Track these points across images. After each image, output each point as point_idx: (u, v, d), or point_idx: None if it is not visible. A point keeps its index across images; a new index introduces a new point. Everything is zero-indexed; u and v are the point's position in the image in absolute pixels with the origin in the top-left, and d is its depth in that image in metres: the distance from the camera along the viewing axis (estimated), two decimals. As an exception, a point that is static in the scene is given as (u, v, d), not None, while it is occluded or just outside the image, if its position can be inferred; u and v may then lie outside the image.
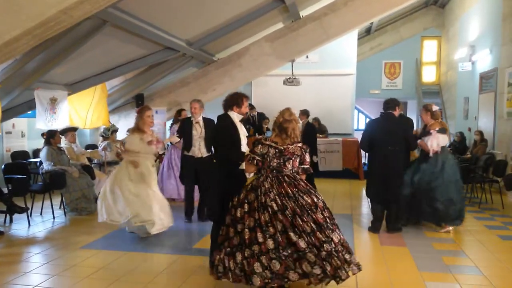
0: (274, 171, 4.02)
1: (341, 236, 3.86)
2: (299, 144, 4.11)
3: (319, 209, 3.84)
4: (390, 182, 6.14)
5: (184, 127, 6.79)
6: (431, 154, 6.23)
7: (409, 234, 6.22)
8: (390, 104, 6.36)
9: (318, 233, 3.71)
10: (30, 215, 6.89)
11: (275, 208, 3.80)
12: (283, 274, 3.69)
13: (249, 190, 4.01)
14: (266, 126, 13.00)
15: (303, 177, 4.14)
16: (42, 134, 7.70)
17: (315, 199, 3.88)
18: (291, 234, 3.70)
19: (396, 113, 6.34)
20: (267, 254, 3.70)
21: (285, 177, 3.98)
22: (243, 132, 4.73)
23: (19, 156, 8.85)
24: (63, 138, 8.00)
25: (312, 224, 3.74)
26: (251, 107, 13.10)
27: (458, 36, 14.52)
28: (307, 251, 3.66)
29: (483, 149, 10.17)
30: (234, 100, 4.70)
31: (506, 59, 9.89)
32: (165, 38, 8.03)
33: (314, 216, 3.79)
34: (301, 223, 3.73)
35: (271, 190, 3.90)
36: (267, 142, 4.12)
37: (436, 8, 16.96)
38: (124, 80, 10.57)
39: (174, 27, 8.06)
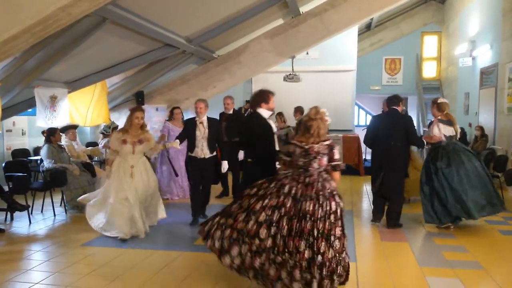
0: (301, 170, 4.00)
1: (330, 254, 3.63)
2: (326, 142, 4.06)
3: (312, 219, 3.69)
4: (392, 177, 6.20)
5: (187, 127, 6.66)
6: (432, 141, 6.28)
7: (410, 230, 6.23)
8: (393, 100, 6.47)
9: (295, 240, 3.63)
10: (31, 213, 6.90)
11: (286, 209, 3.78)
12: (272, 278, 3.67)
13: (272, 186, 3.96)
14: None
15: (335, 175, 4.05)
16: (43, 132, 7.71)
17: (316, 207, 3.74)
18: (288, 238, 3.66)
19: (400, 109, 6.42)
20: (266, 253, 3.70)
21: (307, 177, 3.93)
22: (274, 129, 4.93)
23: (20, 154, 8.85)
24: (63, 135, 8.00)
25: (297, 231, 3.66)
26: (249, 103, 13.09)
27: (458, 32, 14.49)
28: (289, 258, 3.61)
29: (484, 144, 10.16)
30: (261, 97, 4.85)
31: (507, 54, 9.86)
32: (164, 35, 8.02)
33: (302, 224, 3.68)
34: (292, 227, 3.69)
35: (291, 189, 3.87)
36: (293, 141, 4.13)
37: (436, 3, 16.92)
38: (124, 78, 10.56)
39: (174, 23, 8.05)
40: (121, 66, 8.84)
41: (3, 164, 7.26)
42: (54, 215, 7.13)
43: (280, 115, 9.92)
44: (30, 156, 9.10)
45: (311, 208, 3.75)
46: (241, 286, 4.28)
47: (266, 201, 3.86)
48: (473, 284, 4.38)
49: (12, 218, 6.79)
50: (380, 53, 17.20)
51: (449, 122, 6.36)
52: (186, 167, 7.15)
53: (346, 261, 3.85)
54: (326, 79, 13.98)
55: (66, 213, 7.30)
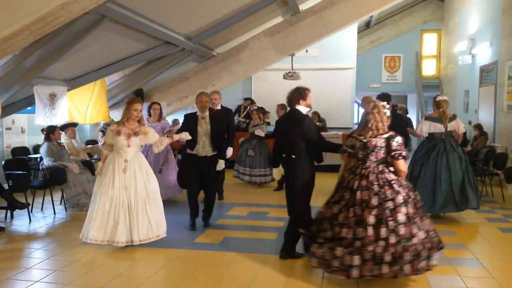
0: (359, 162, 4.25)
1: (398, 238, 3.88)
2: (384, 136, 4.20)
3: (368, 207, 3.97)
4: None
5: (188, 122, 6.12)
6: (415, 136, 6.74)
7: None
8: (383, 98, 6.47)
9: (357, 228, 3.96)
10: (31, 211, 6.89)
11: (345, 201, 4.13)
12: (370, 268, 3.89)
13: (344, 187, 4.24)
14: (267, 120, 12.98)
15: (399, 165, 4.13)
16: (42, 130, 7.70)
17: (372, 195, 4.01)
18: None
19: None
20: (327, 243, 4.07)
21: (364, 169, 4.18)
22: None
23: (19, 152, 8.85)
24: (63, 133, 7.99)
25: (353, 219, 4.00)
26: (251, 101, 13.09)
27: (458, 29, 14.48)
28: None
29: (484, 142, 10.17)
30: (299, 94, 4.97)
31: (506, 52, 9.86)
32: (164, 32, 8.02)
33: (360, 213, 3.99)
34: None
35: (349, 182, 4.21)
36: (354, 135, 4.36)
37: (436, 1, 16.91)
38: (123, 75, 10.56)
39: (173, 21, 8.04)
40: (121, 64, 8.84)
41: (3, 162, 7.25)
42: (54, 213, 7.12)
43: (257, 111, 9.84)
44: (30, 154, 9.10)
45: (366, 197, 4.02)
46: (241, 284, 4.28)
47: (332, 199, 4.31)
48: (473, 281, 4.38)
49: (12, 216, 6.78)
50: (379, 51, 17.19)
51: (439, 119, 6.49)
52: (180, 167, 6.53)
53: (420, 248, 3.94)
54: (325, 77, 13.98)
55: (66, 211, 7.30)
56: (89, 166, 7.84)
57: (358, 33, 14.97)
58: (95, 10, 5.79)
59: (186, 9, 7.86)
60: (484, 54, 11.51)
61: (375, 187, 4.04)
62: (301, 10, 10.06)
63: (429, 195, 6.37)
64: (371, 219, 3.92)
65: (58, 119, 8.47)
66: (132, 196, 5.27)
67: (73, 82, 8.76)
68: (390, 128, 4.31)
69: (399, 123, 6.42)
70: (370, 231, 3.89)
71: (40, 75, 7.45)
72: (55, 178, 7.17)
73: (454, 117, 6.69)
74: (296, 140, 4.78)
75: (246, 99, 13.19)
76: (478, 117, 11.59)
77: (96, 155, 9.24)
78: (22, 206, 6.59)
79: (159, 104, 8.15)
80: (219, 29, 9.11)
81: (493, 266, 4.75)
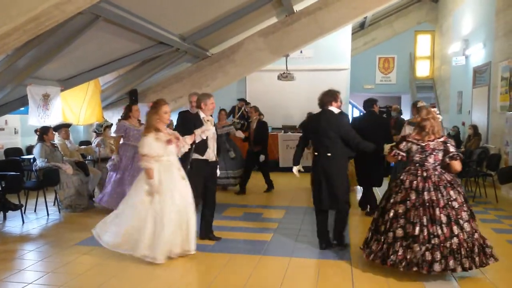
0: (417, 165, 4.56)
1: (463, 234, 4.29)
2: (441, 139, 4.55)
3: (439, 207, 4.32)
4: (373, 169, 6.90)
5: (190, 123, 5.60)
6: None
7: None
8: (368, 103, 7.19)
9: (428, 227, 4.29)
10: (24, 212, 6.84)
11: (411, 201, 4.41)
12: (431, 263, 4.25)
13: (406, 188, 4.51)
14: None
15: (455, 165, 4.51)
16: (36, 131, 7.65)
17: (439, 196, 4.36)
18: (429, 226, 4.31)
19: (376, 109, 7.16)
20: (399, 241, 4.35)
21: (424, 171, 4.51)
22: None
23: (12, 153, 8.79)
24: (56, 134, 7.94)
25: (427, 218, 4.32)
26: (246, 102, 13.08)
27: (451, 31, 14.55)
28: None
29: (477, 143, 10.22)
30: (331, 96, 5.33)
31: (500, 53, 9.92)
32: (158, 32, 7.99)
33: (431, 212, 4.32)
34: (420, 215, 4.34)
35: (411, 183, 4.49)
36: (409, 139, 4.65)
37: (430, 2, 16.98)
38: (117, 76, 10.51)
39: (167, 21, 8.01)
40: (115, 64, 8.79)
41: (-4, 163, 7.19)
42: (48, 214, 7.08)
43: (254, 108, 9.66)
44: (23, 155, 9.04)
45: (434, 198, 4.37)
46: (236, 285, 4.27)
47: (392, 200, 4.52)
48: (468, 284, 4.38)
49: (5, 218, 6.73)
50: (373, 51, 17.24)
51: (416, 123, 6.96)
52: (193, 179, 5.46)
53: (481, 241, 4.42)
54: (320, 78, 13.97)
55: (59, 212, 7.25)
56: (82, 167, 7.80)
57: (352, 34, 15.00)
58: (89, 10, 5.76)
59: (181, 10, 7.84)
60: (478, 55, 11.57)
61: (441, 188, 4.41)
62: (295, 11, 10.07)
63: None
64: (444, 218, 4.30)
65: (52, 120, 8.41)
66: (188, 203, 5.01)
67: (66, 83, 8.70)
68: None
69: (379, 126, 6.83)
70: (445, 229, 4.28)
71: (34, 75, 7.39)
72: (48, 179, 7.13)
73: None
74: (335, 138, 5.12)
75: (240, 100, 13.17)
76: (471, 118, 11.64)
77: (89, 156, 9.19)
78: (15, 207, 6.54)
79: (137, 105, 7.64)
80: (214, 30, 9.09)
81: (487, 268, 4.75)
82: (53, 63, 7.28)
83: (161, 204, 4.80)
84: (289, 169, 9.79)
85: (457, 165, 4.53)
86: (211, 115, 5.67)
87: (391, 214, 4.47)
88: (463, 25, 13.11)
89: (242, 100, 13.15)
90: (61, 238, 5.83)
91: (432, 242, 4.25)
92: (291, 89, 13.56)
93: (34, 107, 7.98)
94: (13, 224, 6.53)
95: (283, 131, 12.37)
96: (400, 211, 4.43)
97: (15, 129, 9.28)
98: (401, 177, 4.61)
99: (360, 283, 4.36)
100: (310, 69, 13.93)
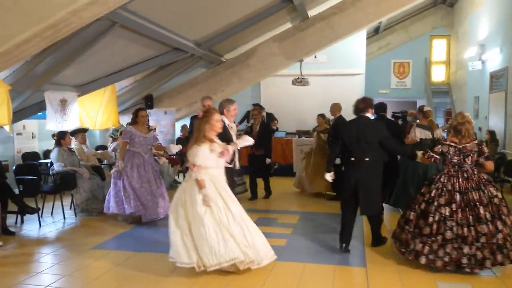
0: (456, 167, 4.80)
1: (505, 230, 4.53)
2: (475, 141, 4.82)
3: (483, 205, 4.57)
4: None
5: (225, 132, 5.22)
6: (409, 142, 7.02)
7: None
8: (380, 107, 7.41)
9: (475, 226, 4.52)
10: (41, 216, 6.94)
11: (457, 203, 4.63)
12: (457, 261, 4.52)
13: (448, 190, 4.72)
14: (275, 126, 12.96)
15: (490, 165, 4.80)
16: (53, 135, 7.76)
17: (482, 194, 4.62)
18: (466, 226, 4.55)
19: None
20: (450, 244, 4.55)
21: (464, 172, 4.76)
22: None
23: (30, 157, 8.92)
24: (73, 139, 8.04)
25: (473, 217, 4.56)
26: (260, 107, 13.10)
27: (467, 35, 14.42)
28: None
29: (494, 149, 10.08)
30: (368, 103, 5.52)
31: (517, 58, 9.80)
32: (173, 39, 8.06)
33: (476, 211, 4.56)
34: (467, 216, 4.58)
35: (454, 185, 4.72)
36: (446, 143, 4.88)
37: (445, 7, 16.85)
38: (133, 81, 10.63)
39: (183, 28, 8.09)
40: (131, 70, 8.89)
41: (14, 167, 7.30)
42: (64, 218, 7.16)
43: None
44: (40, 159, 9.16)
45: (477, 197, 4.60)
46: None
47: (436, 203, 4.69)
48: (484, 289, 4.35)
49: (22, 221, 6.83)
50: (388, 56, 17.15)
51: (428, 127, 7.06)
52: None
53: None
54: (334, 83, 13.96)
55: (75, 216, 7.33)
56: (98, 171, 7.88)
57: (367, 38, 14.94)
58: (105, 17, 5.84)
59: (196, 16, 7.90)
60: (494, 60, 11.45)
61: (482, 187, 4.66)
62: (309, 16, 10.08)
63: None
64: (488, 216, 4.53)
65: (69, 125, 8.53)
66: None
67: (83, 88, 8.83)
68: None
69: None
70: (490, 226, 4.50)
71: (51, 81, 7.51)
72: (65, 183, 7.21)
73: (437, 126, 7.45)
74: (374, 143, 5.30)
75: (255, 105, 13.08)
76: (488, 123, 11.51)
77: (106, 161, 9.28)
78: (33, 210, 6.63)
79: (145, 110, 7.45)
80: (228, 36, 9.15)
81: (504, 274, 4.70)
82: (70, 69, 7.39)
83: (224, 210, 4.59)
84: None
85: (490, 165, 4.82)
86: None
87: (437, 217, 4.65)
88: (479, 30, 12.99)
89: (257, 105, 13.10)
90: (77, 242, 5.89)
91: (481, 241, 4.48)
92: (306, 94, 13.54)
93: (51, 112, 8.10)
94: (30, 227, 6.63)
95: (297, 136, 12.36)
96: (447, 213, 4.61)
97: (32, 133, 9.42)
98: (441, 180, 4.79)
99: (375, 282, 4.34)
100: (325, 74, 13.90)
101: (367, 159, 5.25)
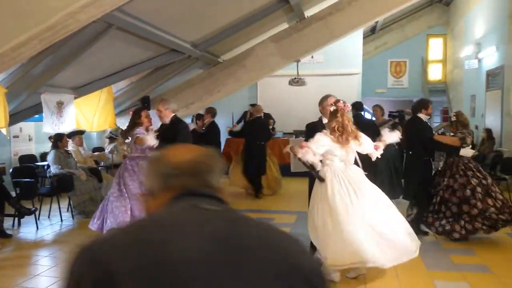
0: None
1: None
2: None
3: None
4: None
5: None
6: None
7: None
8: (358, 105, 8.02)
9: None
10: (38, 218, 6.93)
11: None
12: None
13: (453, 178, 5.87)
14: (271, 126, 12.96)
15: None
16: (50, 138, 7.75)
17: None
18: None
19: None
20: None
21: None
22: None
23: (27, 160, 8.90)
24: (70, 141, 8.04)
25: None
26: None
27: (464, 34, 14.46)
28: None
29: (491, 147, 10.11)
30: (422, 104, 6.14)
31: (513, 56, 9.83)
32: (170, 40, 8.06)
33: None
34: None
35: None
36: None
37: (441, 6, 16.89)
38: (130, 83, 10.61)
39: (179, 29, 8.08)
40: (127, 72, 8.88)
41: (11, 170, 7.29)
42: (61, 220, 7.15)
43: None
44: (37, 162, 9.15)
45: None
46: None
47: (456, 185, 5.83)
48: (481, 287, 4.36)
49: (19, 224, 6.82)
50: (385, 56, 17.17)
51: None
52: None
53: None
54: (331, 83, 13.95)
55: (73, 218, 7.32)
56: (96, 173, 7.88)
57: (363, 38, 14.95)
58: (102, 19, 5.83)
59: (192, 17, 7.90)
60: (491, 58, 11.48)
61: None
62: (306, 17, 10.08)
63: None
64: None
65: (66, 127, 8.52)
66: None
67: (80, 90, 8.81)
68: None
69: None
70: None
71: (48, 83, 7.49)
72: (62, 186, 7.21)
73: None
74: (416, 143, 5.97)
75: (252, 106, 13.05)
76: (485, 121, 11.54)
77: (102, 162, 9.27)
78: (29, 211, 6.63)
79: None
80: (225, 37, 9.14)
81: (501, 272, 4.72)
82: (66, 71, 7.37)
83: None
84: (300, 174, 9.88)
85: None
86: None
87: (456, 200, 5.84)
88: (475, 28, 13.02)
89: (255, 105, 13.08)
90: (74, 244, 5.87)
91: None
92: (302, 94, 13.55)
93: (48, 114, 8.09)
94: (28, 230, 6.62)
95: (294, 136, 12.36)
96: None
97: (29, 136, 9.40)
98: (455, 167, 5.91)
99: (372, 281, 4.35)
100: (322, 74, 13.90)
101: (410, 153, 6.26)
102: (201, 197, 1.20)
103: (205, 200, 1.19)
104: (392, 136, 4.92)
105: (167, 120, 5.78)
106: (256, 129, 9.03)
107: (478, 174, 5.86)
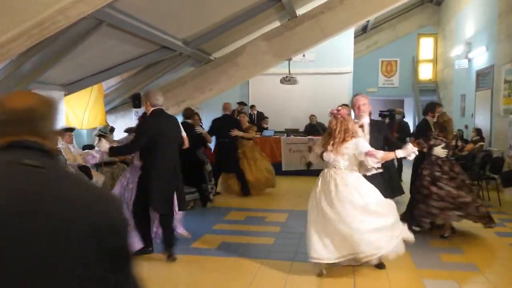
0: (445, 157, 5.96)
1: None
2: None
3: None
4: None
5: None
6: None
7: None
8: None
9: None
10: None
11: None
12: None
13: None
14: (266, 125, 13.00)
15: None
16: (39, 135, 7.68)
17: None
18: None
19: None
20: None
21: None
22: None
23: (16, 157, 8.81)
24: (60, 138, 7.98)
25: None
26: (252, 106, 13.10)
27: (454, 34, 14.55)
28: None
29: (480, 146, 10.19)
30: (429, 107, 6.53)
31: (503, 56, 9.92)
32: (161, 37, 8.02)
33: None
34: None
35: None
36: (434, 136, 5.90)
37: (432, 5, 16.99)
38: (120, 80, 10.56)
39: (171, 26, 8.05)
40: (118, 69, 8.83)
41: (0, 167, 7.22)
42: (51, 218, 7.10)
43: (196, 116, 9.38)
44: (27, 159, 9.05)
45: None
46: (239, 287, 4.29)
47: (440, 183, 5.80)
48: (470, 286, 4.40)
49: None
50: (376, 55, 17.25)
51: None
52: None
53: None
54: (322, 81, 14.02)
55: (62, 216, 7.27)
56: (85, 171, 7.83)
57: (355, 37, 15.02)
58: (92, 15, 5.79)
59: (184, 14, 7.88)
60: (481, 58, 11.57)
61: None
62: (298, 15, 10.09)
63: None
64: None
65: (55, 124, 8.45)
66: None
67: (70, 87, 8.74)
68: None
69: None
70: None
71: (37, 80, 7.43)
72: (52, 183, 7.15)
73: None
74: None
75: (239, 103, 12.86)
76: (474, 121, 11.63)
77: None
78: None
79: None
80: (217, 34, 9.12)
81: (489, 271, 4.77)
82: (56, 68, 7.32)
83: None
84: (292, 173, 9.87)
85: None
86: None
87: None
88: (466, 28, 13.12)
89: (242, 103, 12.93)
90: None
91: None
92: (294, 92, 13.58)
93: (38, 111, 8.02)
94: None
95: (286, 134, 12.39)
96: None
97: (19, 133, 9.31)
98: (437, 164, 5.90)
99: (361, 279, 4.37)
100: (313, 72, 13.94)
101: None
102: (26, 150, 1.20)
103: (29, 154, 1.19)
104: (403, 152, 4.67)
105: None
106: (220, 126, 9.07)
107: (451, 173, 5.84)
